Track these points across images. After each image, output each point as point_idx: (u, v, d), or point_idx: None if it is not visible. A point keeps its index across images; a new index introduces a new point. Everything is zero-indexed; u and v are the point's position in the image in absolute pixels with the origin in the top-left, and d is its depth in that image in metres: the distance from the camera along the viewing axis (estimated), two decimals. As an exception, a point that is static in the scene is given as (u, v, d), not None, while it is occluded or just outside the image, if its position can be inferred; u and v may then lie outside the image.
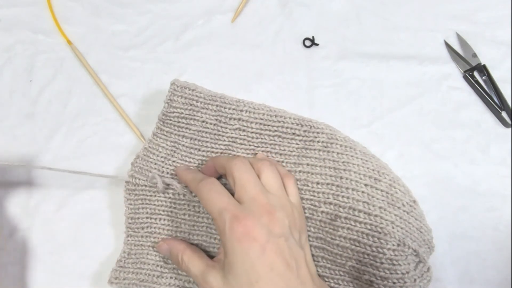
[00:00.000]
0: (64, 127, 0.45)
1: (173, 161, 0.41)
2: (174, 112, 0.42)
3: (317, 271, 0.37)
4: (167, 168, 0.41)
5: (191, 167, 0.41)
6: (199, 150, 0.41)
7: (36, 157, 0.44)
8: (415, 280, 0.35)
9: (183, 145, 0.42)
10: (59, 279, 0.41)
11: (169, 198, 0.41)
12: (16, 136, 0.45)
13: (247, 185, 0.34)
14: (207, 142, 0.41)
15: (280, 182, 0.37)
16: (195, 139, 0.42)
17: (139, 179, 0.41)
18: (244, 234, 0.32)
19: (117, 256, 0.40)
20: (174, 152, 0.42)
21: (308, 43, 0.47)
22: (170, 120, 0.42)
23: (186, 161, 0.41)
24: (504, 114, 0.43)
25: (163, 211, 0.41)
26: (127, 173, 0.41)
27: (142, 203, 0.41)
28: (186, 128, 0.42)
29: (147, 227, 0.41)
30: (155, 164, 0.41)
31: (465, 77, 0.45)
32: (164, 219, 0.41)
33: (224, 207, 0.33)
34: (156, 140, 0.42)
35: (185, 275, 0.39)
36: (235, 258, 0.32)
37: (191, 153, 0.42)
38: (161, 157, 0.41)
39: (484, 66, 0.44)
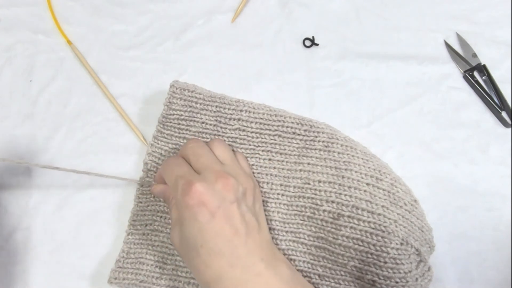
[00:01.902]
0: (64, 127, 0.45)
1: None
2: (173, 114, 0.42)
3: (318, 270, 0.37)
4: None
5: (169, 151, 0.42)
6: None
7: (36, 157, 0.44)
8: (416, 279, 0.35)
9: None
10: (59, 279, 0.41)
11: None
12: (16, 136, 0.45)
13: (201, 157, 0.36)
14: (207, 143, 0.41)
15: (233, 155, 0.39)
16: None
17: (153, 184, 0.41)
18: (195, 199, 0.32)
19: (116, 256, 0.40)
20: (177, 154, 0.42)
21: (308, 43, 0.47)
22: (170, 122, 0.42)
23: None
24: (504, 114, 0.43)
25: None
26: (139, 178, 0.41)
27: (153, 202, 0.41)
28: (187, 130, 0.42)
29: (150, 224, 0.41)
30: None
31: (465, 77, 0.45)
32: (169, 218, 0.41)
33: (181, 175, 0.34)
34: (158, 144, 0.42)
35: (184, 276, 0.39)
36: (185, 222, 0.33)
37: None
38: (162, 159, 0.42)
39: (484, 66, 0.44)
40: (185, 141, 0.42)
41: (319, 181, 0.38)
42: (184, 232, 0.33)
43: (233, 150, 0.41)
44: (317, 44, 0.47)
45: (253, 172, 0.40)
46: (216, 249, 0.32)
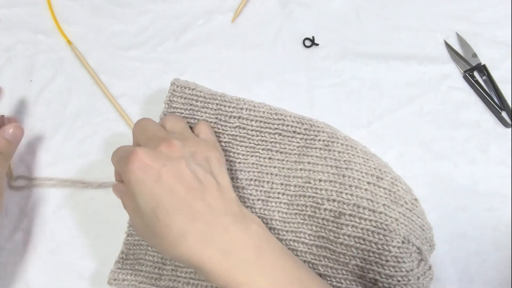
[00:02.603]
0: (64, 127, 0.45)
1: None
2: (174, 112, 0.42)
3: (319, 270, 0.37)
4: None
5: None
6: None
7: (36, 157, 0.44)
8: (418, 278, 0.35)
9: None
10: (59, 279, 0.41)
11: None
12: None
13: (147, 129, 0.35)
14: None
15: (184, 125, 0.38)
16: None
17: None
18: (138, 164, 0.31)
19: (116, 256, 0.40)
20: None
21: (308, 43, 0.47)
22: None
23: None
24: (504, 114, 0.43)
25: None
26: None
27: None
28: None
29: None
30: None
31: (465, 77, 0.45)
32: None
33: (123, 150, 0.33)
34: None
35: (184, 277, 0.39)
36: (135, 190, 0.31)
37: None
38: None
39: (484, 66, 0.44)
40: None
41: (320, 180, 0.38)
42: (138, 202, 0.31)
43: (195, 122, 0.40)
44: (317, 44, 0.47)
45: (253, 171, 0.40)
46: (172, 207, 0.31)
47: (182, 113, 0.42)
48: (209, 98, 0.41)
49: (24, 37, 0.48)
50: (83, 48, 0.48)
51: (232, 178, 0.40)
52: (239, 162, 0.41)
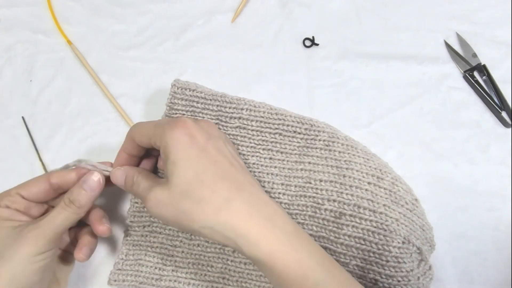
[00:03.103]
0: (64, 127, 0.45)
1: None
2: (175, 114, 0.41)
3: None
4: None
5: None
6: None
7: (36, 158, 0.44)
8: (418, 278, 0.35)
9: None
10: (59, 279, 0.41)
11: None
12: (16, 136, 0.45)
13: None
14: None
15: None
16: None
17: None
18: (184, 131, 0.32)
19: (116, 255, 0.40)
20: None
21: (308, 43, 0.47)
22: None
23: None
24: (504, 114, 0.43)
25: None
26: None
27: None
28: None
29: (149, 225, 0.40)
30: None
31: (465, 77, 0.45)
32: None
33: (159, 120, 0.35)
34: None
35: (184, 277, 0.39)
36: (178, 155, 0.31)
37: None
38: None
39: (484, 66, 0.44)
40: None
41: (321, 180, 0.38)
42: (179, 166, 0.31)
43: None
44: (317, 44, 0.47)
45: (254, 171, 0.40)
46: (219, 174, 0.31)
47: (183, 114, 0.41)
48: (210, 99, 0.41)
49: (24, 37, 0.48)
50: (83, 48, 0.48)
51: None
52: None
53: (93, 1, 0.49)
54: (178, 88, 0.42)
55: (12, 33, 0.48)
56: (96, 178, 0.35)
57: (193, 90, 0.42)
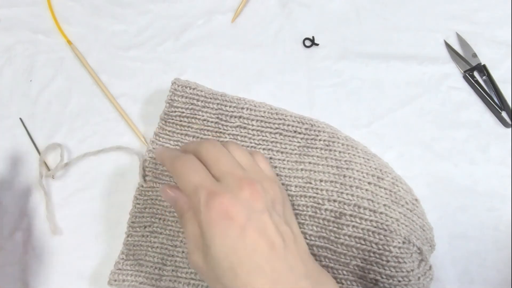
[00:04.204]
0: (64, 127, 0.45)
1: None
2: (175, 111, 0.42)
3: None
4: None
5: (170, 147, 0.39)
6: None
7: (36, 158, 0.44)
8: (419, 278, 0.35)
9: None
10: (59, 279, 0.41)
11: None
12: (16, 136, 0.45)
13: (221, 161, 0.32)
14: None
15: (251, 158, 0.34)
16: (198, 137, 0.42)
17: (153, 182, 0.41)
18: (221, 213, 0.29)
19: (116, 256, 0.40)
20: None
21: (308, 43, 0.47)
22: (172, 119, 0.42)
23: None
24: (504, 114, 0.43)
25: (169, 212, 0.41)
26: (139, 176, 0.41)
27: (151, 203, 0.41)
28: (188, 126, 0.42)
29: (149, 226, 0.40)
30: (163, 165, 0.41)
31: (465, 77, 0.45)
32: (168, 219, 0.40)
33: (199, 183, 0.30)
34: (159, 141, 0.42)
35: (184, 277, 0.39)
36: (213, 240, 0.29)
37: None
38: None
39: (484, 66, 0.44)
40: (187, 138, 0.42)
41: (321, 180, 0.38)
42: (214, 252, 0.29)
43: (250, 150, 0.38)
44: (317, 44, 0.47)
45: None
46: (255, 267, 0.28)
47: (183, 112, 0.42)
48: (210, 98, 0.42)
49: (24, 37, 0.48)
50: (83, 48, 0.48)
51: None
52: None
53: (93, 1, 0.49)
54: (178, 86, 0.42)
55: (12, 33, 0.48)
56: None
57: (194, 89, 0.42)
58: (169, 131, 0.42)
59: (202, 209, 0.29)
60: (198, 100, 0.42)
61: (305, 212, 0.38)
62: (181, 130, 0.42)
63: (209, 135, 0.42)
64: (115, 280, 0.39)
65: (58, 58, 0.47)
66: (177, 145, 0.42)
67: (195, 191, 0.30)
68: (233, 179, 0.30)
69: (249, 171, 0.32)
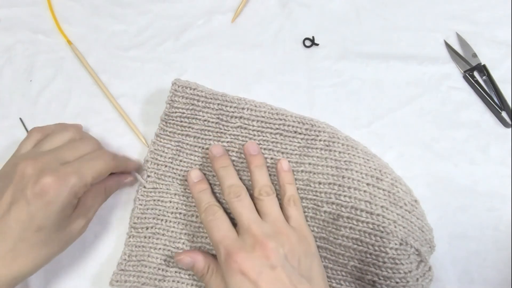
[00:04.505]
0: (64, 127, 0.45)
1: (180, 161, 0.42)
2: (176, 112, 0.42)
3: None
4: (177, 168, 0.42)
5: (199, 177, 0.41)
6: (202, 148, 0.42)
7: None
8: (417, 279, 0.35)
9: (187, 144, 0.42)
10: (59, 279, 0.41)
11: (182, 200, 0.41)
12: (16, 136, 0.45)
13: (242, 216, 0.36)
14: (209, 140, 0.42)
15: (278, 208, 0.37)
16: (198, 138, 0.42)
17: (156, 183, 0.41)
18: (236, 269, 0.32)
19: (117, 256, 0.40)
20: (180, 151, 0.42)
21: (308, 43, 0.47)
22: (173, 120, 0.42)
23: (191, 159, 0.42)
24: (504, 114, 0.43)
25: (172, 213, 0.41)
26: (141, 177, 0.41)
27: (153, 204, 0.41)
28: (189, 127, 0.42)
29: (152, 227, 0.40)
30: (165, 166, 0.42)
31: (465, 77, 0.45)
32: (170, 221, 0.41)
33: (220, 240, 0.35)
34: (161, 142, 0.42)
35: (187, 278, 0.39)
36: None
37: (195, 151, 0.42)
38: (169, 157, 0.42)
39: (484, 66, 0.44)
40: (188, 138, 0.42)
41: (320, 183, 0.38)
42: None
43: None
44: (317, 44, 0.47)
45: None
46: None
47: (184, 112, 0.41)
48: (211, 98, 0.41)
49: (24, 37, 0.48)
50: (83, 48, 0.48)
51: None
52: (241, 163, 0.41)
53: (93, 1, 0.49)
54: (178, 86, 0.42)
55: (12, 33, 0.48)
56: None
57: (194, 89, 0.42)
58: (170, 132, 0.42)
59: (222, 265, 0.34)
60: (198, 101, 0.42)
61: (305, 214, 0.38)
62: (182, 130, 0.42)
63: (210, 135, 0.42)
64: (117, 281, 0.39)
65: (58, 58, 0.48)
66: (178, 145, 0.42)
67: (217, 247, 0.35)
68: (249, 236, 0.34)
69: (268, 225, 0.35)
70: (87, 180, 0.35)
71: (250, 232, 0.34)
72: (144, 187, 0.41)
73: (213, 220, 0.37)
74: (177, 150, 0.42)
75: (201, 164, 0.42)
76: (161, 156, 0.42)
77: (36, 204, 0.32)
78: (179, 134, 0.42)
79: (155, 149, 0.42)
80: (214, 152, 0.40)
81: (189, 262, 0.37)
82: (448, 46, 0.46)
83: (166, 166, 0.42)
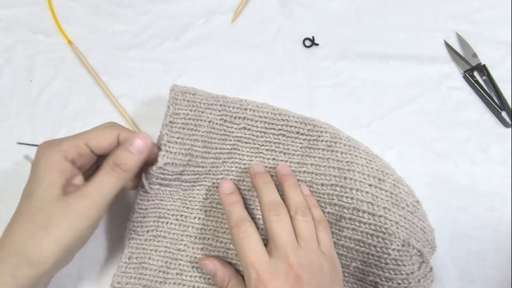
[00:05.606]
0: (64, 127, 0.45)
1: (188, 169, 0.39)
2: (180, 114, 0.38)
3: None
4: (184, 175, 0.39)
5: (231, 189, 0.39)
6: (209, 153, 0.40)
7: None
8: (419, 280, 0.35)
9: (197, 151, 0.39)
10: (59, 279, 0.41)
11: (183, 202, 0.41)
12: (16, 136, 0.45)
13: (280, 239, 0.34)
14: (215, 143, 0.40)
15: (313, 231, 0.36)
16: (205, 141, 0.39)
17: (159, 189, 0.40)
18: None
19: (117, 257, 0.40)
20: (190, 160, 0.38)
21: (308, 43, 0.47)
22: (178, 125, 0.38)
23: (200, 166, 0.39)
24: (504, 114, 0.43)
25: (173, 215, 0.40)
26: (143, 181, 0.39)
27: (153, 207, 0.40)
28: (195, 129, 0.38)
29: (153, 230, 0.40)
30: (173, 176, 0.38)
31: (465, 77, 0.45)
32: (172, 223, 0.40)
33: (252, 262, 0.33)
34: (170, 154, 0.37)
35: (189, 280, 0.39)
36: None
37: (203, 156, 0.39)
38: (180, 170, 0.38)
39: (484, 66, 0.44)
40: (197, 143, 0.38)
41: (322, 185, 0.38)
42: None
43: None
44: (317, 44, 0.47)
45: None
46: None
47: (188, 114, 0.38)
48: (212, 100, 0.40)
49: (24, 37, 0.48)
50: (83, 48, 0.48)
51: (238, 180, 0.40)
52: (245, 164, 0.41)
53: (93, 1, 0.49)
54: (178, 93, 0.39)
55: (12, 33, 0.48)
56: (142, 141, 0.33)
57: (193, 94, 0.39)
58: (177, 138, 0.37)
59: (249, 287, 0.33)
60: (200, 103, 0.39)
61: None
62: (189, 136, 0.38)
63: (215, 137, 0.39)
64: (118, 283, 0.39)
65: (58, 58, 0.47)
66: (188, 153, 0.38)
67: (247, 269, 0.33)
68: (285, 263, 0.33)
69: (304, 252, 0.34)
70: (81, 140, 0.32)
71: (286, 260, 0.33)
72: (148, 192, 0.40)
73: (245, 237, 0.34)
74: (188, 154, 0.38)
75: (208, 170, 0.40)
76: (171, 166, 0.37)
77: (32, 173, 0.32)
78: (187, 139, 0.38)
79: (168, 157, 0.36)
80: (256, 169, 0.39)
81: (211, 269, 0.37)
82: (448, 46, 0.46)
83: (173, 176, 0.38)
